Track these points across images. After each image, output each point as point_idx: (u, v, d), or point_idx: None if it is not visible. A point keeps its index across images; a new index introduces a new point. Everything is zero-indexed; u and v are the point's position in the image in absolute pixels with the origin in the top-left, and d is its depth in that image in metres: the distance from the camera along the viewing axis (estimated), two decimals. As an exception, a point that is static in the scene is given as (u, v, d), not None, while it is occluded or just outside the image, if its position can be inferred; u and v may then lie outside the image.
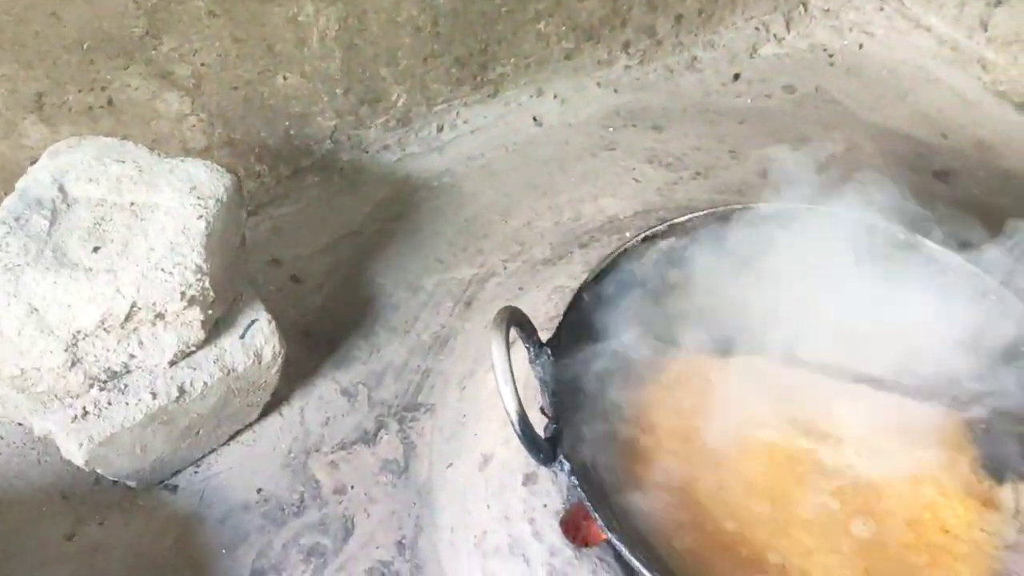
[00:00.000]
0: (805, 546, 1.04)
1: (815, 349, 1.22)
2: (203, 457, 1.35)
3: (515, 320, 1.05)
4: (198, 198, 1.20)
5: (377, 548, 1.26)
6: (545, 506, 1.14)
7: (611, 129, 2.03)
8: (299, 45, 1.57)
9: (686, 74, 2.21)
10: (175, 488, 1.32)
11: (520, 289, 1.61)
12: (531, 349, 1.11)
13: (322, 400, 1.45)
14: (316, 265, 1.66)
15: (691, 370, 1.21)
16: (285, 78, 1.60)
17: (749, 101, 2.15)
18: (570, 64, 2.04)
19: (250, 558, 1.25)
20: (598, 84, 2.11)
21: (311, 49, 1.59)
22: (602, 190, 1.85)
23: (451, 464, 1.32)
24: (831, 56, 2.31)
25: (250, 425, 1.39)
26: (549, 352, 1.11)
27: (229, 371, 1.24)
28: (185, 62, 1.49)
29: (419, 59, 1.76)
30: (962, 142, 2.06)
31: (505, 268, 1.68)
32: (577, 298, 1.20)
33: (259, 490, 1.32)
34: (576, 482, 1.00)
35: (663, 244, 1.31)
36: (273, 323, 1.30)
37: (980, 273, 1.21)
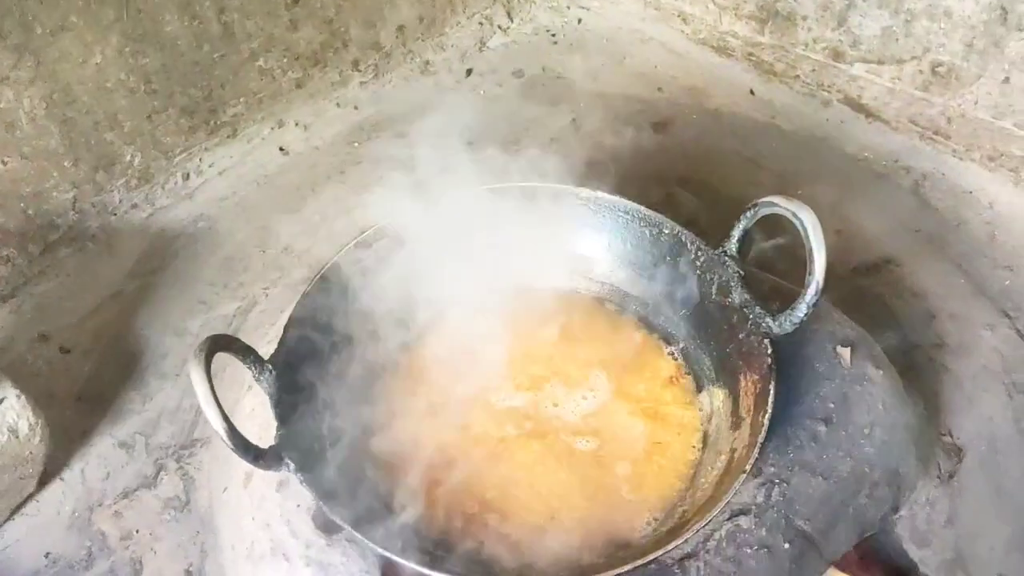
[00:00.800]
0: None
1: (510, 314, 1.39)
2: (-13, 538, 1.41)
3: (220, 347, 1.14)
4: (-89, 299, 1.26)
5: (166, 580, 1.36)
6: (298, 506, 1.25)
7: (356, 144, 2.15)
8: (10, 129, 1.62)
9: (421, 79, 2.34)
10: (-39, 574, 1.38)
11: (282, 312, 1.69)
12: (252, 368, 1.21)
13: (101, 457, 1.52)
14: (83, 332, 1.72)
15: (406, 360, 1.37)
16: (4, 163, 1.64)
17: (483, 92, 2.30)
18: (304, 91, 2.14)
19: (44, 621, 1.32)
20: (337, 105, 2.22)
21: (23, 131, 1.64)
22: (353, 204, 1.96)
23: (226, 488, 1.42)
24: (554, 36, 2.48)
25: (32, 496, 1.45)
26: (271, 367, 1.22)
27: (-15, 452, 1.31)
28: None
29: (143, 117, 1.83)
30: (676, 92, 2.27)
31: (267, 295, 1.78)
32: (298, 310, 1.31)
33: (47, 554, 1.39)
34: (301, 478, 1.12)
35: (377, 246, 1.45)
36: (23, 397, 1.37)
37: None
